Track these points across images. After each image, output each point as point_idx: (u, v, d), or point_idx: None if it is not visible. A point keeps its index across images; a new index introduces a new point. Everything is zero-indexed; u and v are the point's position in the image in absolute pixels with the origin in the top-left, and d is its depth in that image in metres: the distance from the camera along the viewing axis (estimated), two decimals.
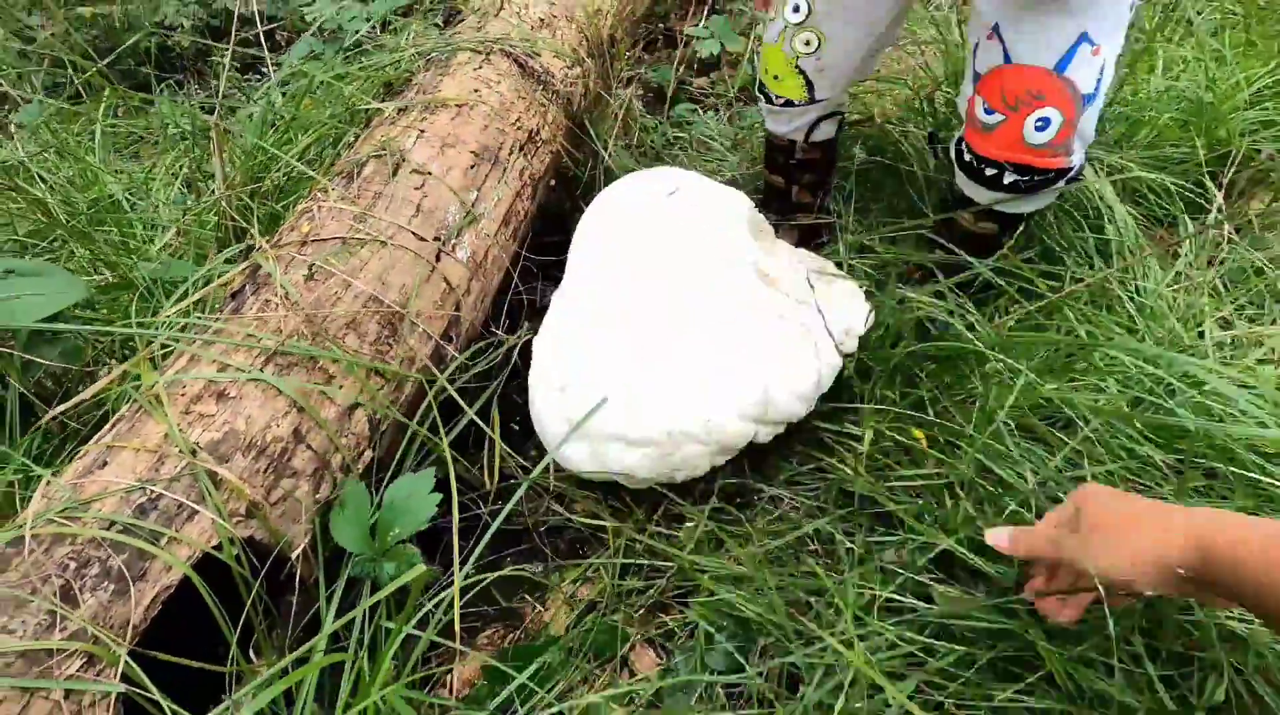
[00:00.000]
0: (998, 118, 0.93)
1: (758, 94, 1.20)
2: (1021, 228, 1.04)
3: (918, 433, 0.98)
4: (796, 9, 1.05)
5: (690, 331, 0.90)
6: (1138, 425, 0.83)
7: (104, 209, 1.42)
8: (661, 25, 2.23)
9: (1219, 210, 1.07)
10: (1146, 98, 1.34)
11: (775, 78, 1.14)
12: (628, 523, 0.97)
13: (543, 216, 1.35)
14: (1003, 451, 0.83)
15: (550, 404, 0.92)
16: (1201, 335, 0.98)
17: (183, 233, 1.21)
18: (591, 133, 1.44)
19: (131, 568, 0.58)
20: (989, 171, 0.97)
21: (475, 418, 0.92)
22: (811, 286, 1.02)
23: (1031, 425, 0.87)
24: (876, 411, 0.97)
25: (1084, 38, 0.85)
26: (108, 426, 0.70)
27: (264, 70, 2.32)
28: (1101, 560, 0.58)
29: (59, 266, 0.95)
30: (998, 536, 0.69)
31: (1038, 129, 0.90)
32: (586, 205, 1.23)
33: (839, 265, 1.22)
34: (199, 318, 0.77)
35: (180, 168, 1.63)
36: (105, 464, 0.64)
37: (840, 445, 0.99)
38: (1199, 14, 1.57)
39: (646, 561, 0.92)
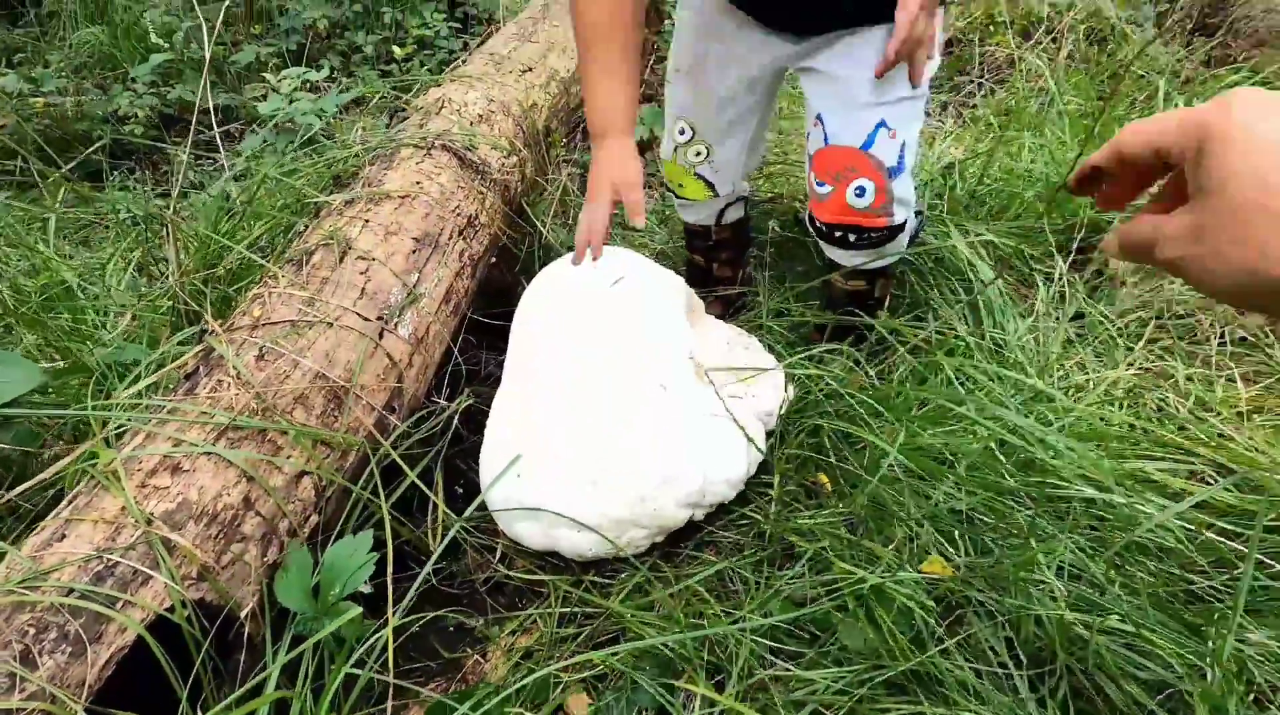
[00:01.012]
0: (828, 188, 1.11)
1: (668, 192, 1.36)
2: (884, 282, 1.20)
3: (823, 477, 1.09)
4: (682, 132, 1.26)
5: (635, 427, 0.99)
6: (1001, 460, 0.95)
7: (56, 296, 1.47)
8: None
9: (1060, 275, 1.25)
10: (1014, 178, 1.54)
11: (680, 184, 1.33)
12: (564, 577, 1.04)
13: (486, 290, 1.45)
14: (889, 493, 0.95)
15: (502, 486, 1.00)
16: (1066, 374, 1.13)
17: (136, 317, 1.27)
18: (530, 213, 1.57)
19: (88, 631, 0.63)
20: (836, 233, 1.14)
21: (417, 481, 0.99)
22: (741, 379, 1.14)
23: (920, 463, 0.99)
24: (786, 461, 1.08)
25: (882, 124, 1.05)
26: (65, 502, 0.75)
27: (216, 157, 2.42)
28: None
29: (16, 354, 1.00)
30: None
31: (857, 195, 1.08)
32: (527, 279, 1.35)
33: (759, 327, 1.35)
34: (154, 399, 0.84)
35: (133, 254, 1.69)
36: (64, 536, 0.69)
37: (757, 493, 1.09)
38: (1056, 108, 1.82)
39: (580, 610, 0.99)
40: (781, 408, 1.11)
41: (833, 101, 1.07)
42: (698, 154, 1.26)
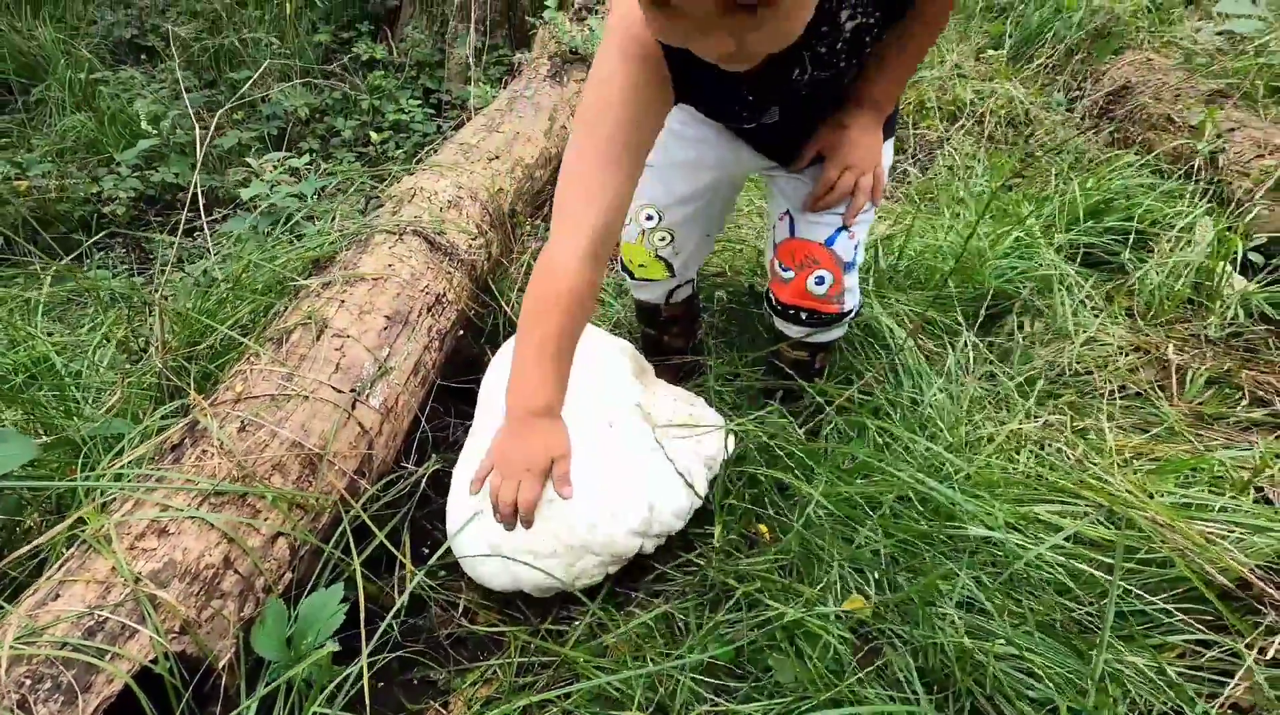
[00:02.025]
0: (790, 274, 1.24)
1: (622, 273, 1.48)
2: (824, 354, 1.34)
3: (763, 528, 1.19)
4: (649, 217, 1.35)
5: (586, 465, 1.06)
6: (918, 506, 1.07)
7: (39, 372, 1.54)
8: None
9: (966, 342, 1.40)
10: (933, 254, 1.72)
11: (641, 266, 1.41)
12: (523, 628, 1.11)
13: (454, 360, 1.56)
14: (815, 542, 1.05)
15: (465, 532, 1.08)
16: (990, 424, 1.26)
17: (121, 393, 1.35)
18: (495, 290, 1.70)
19: (79, 681, 0.70)
20: (790, 311, 1.27)
21: (385, 541, 1.07)
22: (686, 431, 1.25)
23: (844, 511, 1.10)
24: (726, 513, 1.18)
25: (843, 228, 1.20)
26: (57, 566, 0.82)
27: (196, 236, 2.53)
28: None
29: (12, 430, 1.07)
30: None
31: (816, 283, 1.22)
32: (492, 348, 1.46)
33: (707, 389, 1.47)
34: (141, 469, 0.92)
35: (115, 331, 1.77)
36: (58, 596, 0.76)
37: (701, 541, 1.19)
38: (970, 188, 2.03)
39: (537, 659, 1.06)
40: (724, 455, 1.22)
41: (803, 209, 1.20)
42: (663, 239, 1.34)
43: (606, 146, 0.92)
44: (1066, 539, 1.00)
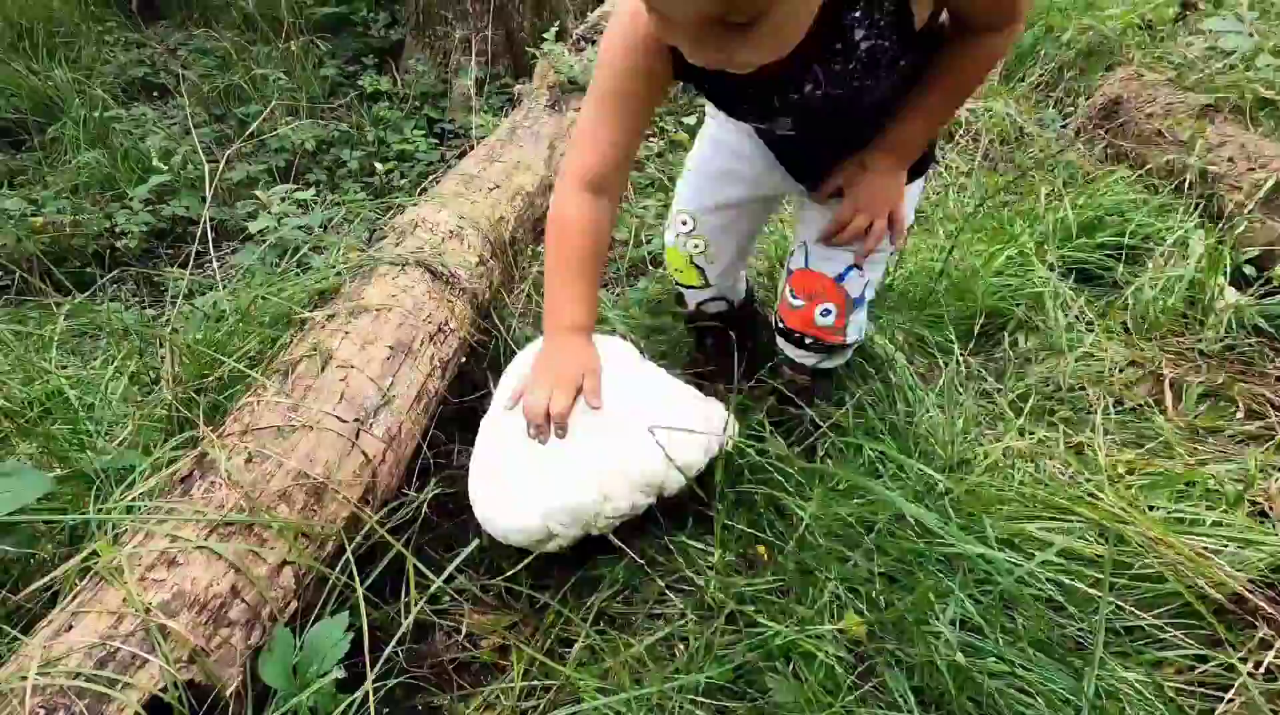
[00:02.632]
0: (800, 302, 1.27)
1: (671, 277, 1.54)
2: (825, 382, 1.36)
3: (761, 549, 1.21)
4: (684, 223, 1.41)
5: (611, 414, 1.08)
6: (912, 525, 1.08)
7: (54, 407, 1.58)
8: None
9: (958, 358, 1.42)
10: (927, 274, 1.75)
11: (678, 270, 1.49)
12: (527, 650, 1.12)
13: (457, 384, 1.59)
14: (811, 562, 1.06)
15: (486, 489, 1.12)
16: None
17: (134, 426, 1.39)
18: (496, 316, 1.74)
19: (91, 710, 0.72)
20: (795, 336, 1.30)
21: (405, 551, 1.09)
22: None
23: (842, 532, 1.12)
24: (725, 533, 1.20)
25: (854, 266, 1.23)
26: (70, 597, 0.85)
27: (207, 268, 2.59)
28: None
29: (27, 465, 1.11)
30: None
31: (822, 315, 1.25)
32: (495, 373, 1.50)
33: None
34: (151, 502, 0.95)
35: (128, 365, 1.81)
36: (71, 627, 0.79)
37: (702, 560, 1.20)
38: (964, 210, 2.06)
39: (540, 682, 1.07)
40: (728, 432, 1.22)
41: (818, 241, 1.22)
42: (696, 247, 1.40)
43: (602, 99, 1.02)
44: (1060, 555, 1.01)
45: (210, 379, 1.37)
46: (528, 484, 1.10)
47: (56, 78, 3.67)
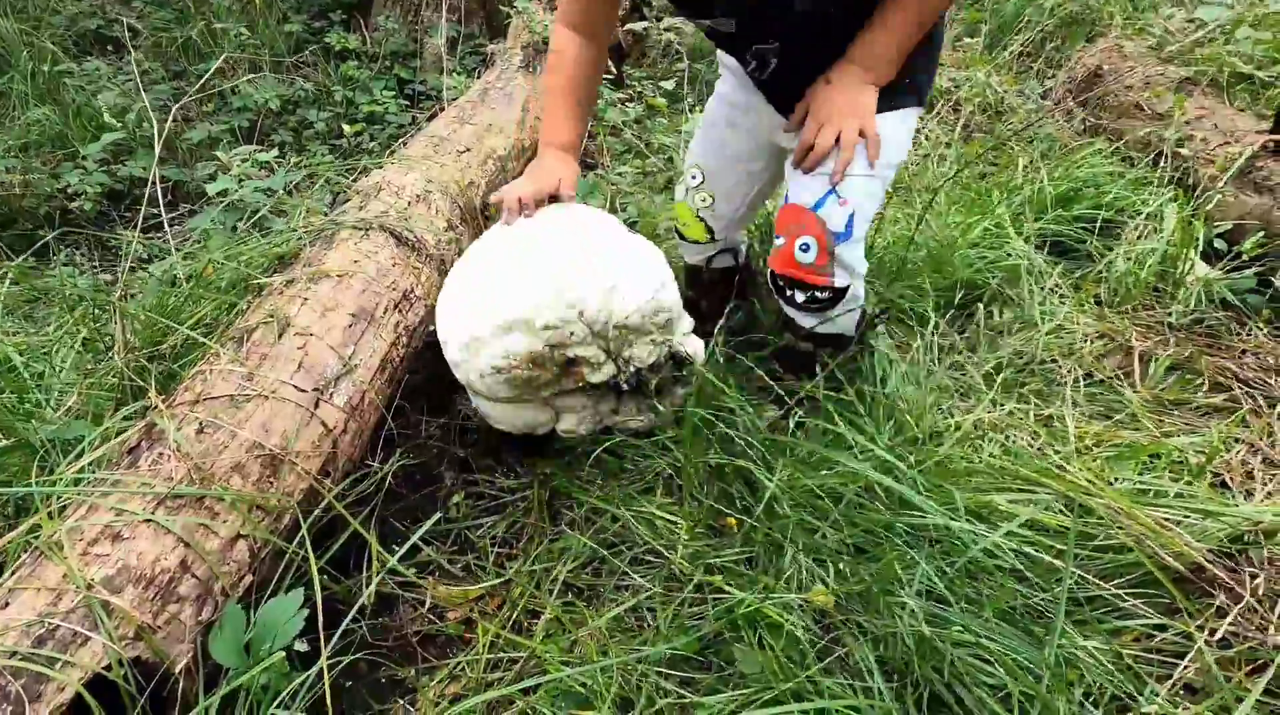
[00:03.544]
0: (781, 241, 1.22)
1: (675, 235, 1.58)
2: (829, 348, 1.31)
3: (731, 521, 1.20)
4: (694, 177, 1.46)
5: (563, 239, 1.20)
6: (881, 496, 1.08)
7: (2, 373, 1.51)
8: None
9: (934, 327, 1.42)
10: (904, 245, 1.73)
11: (685, 224, 1.52)
12: (493, 622, 1.11)
13: (425, 356, 1.56)
14: (779, 534, 1.06)
15: (452, 308, 1.21)
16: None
17: (81, 395, 1.33)
18: None
19: (29, 690, 0.69)
20: (786, 291, 1.25)
21: (360, 528, 1.06)
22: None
23: (811, 503, 1.11)
24: (694, 505, 1.19)
25: (833, 191, 1.17)
26: (8, 573, 0.81)
27: (164, 231, 2.49)
28: None
29: None
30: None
31: (802, 251, 1.19)
32: None
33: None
34: (96, 473, 0.91)
35: (79, 331, 1.74)
36: (7, 604, 0.75)
37: (669, 532, 1.19)
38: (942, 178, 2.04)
39: (506, 655, 1.06)
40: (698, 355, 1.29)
41: (793, 168, 1.22)
42: (704, 200, 1.45)
43: None
44: (1025, 526, 1.01)
45: (164, 347, 1.31)
46: (482, 299, 1.17)
47: (3, 28, 3.47)
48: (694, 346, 1.31)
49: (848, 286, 1.22)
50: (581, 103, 1.33)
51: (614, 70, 2.79)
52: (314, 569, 0.91)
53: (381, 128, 3.07)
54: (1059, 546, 1.00)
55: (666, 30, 3.33)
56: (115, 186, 2.79)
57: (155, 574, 0.82)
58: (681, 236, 1.56)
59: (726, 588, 1.00)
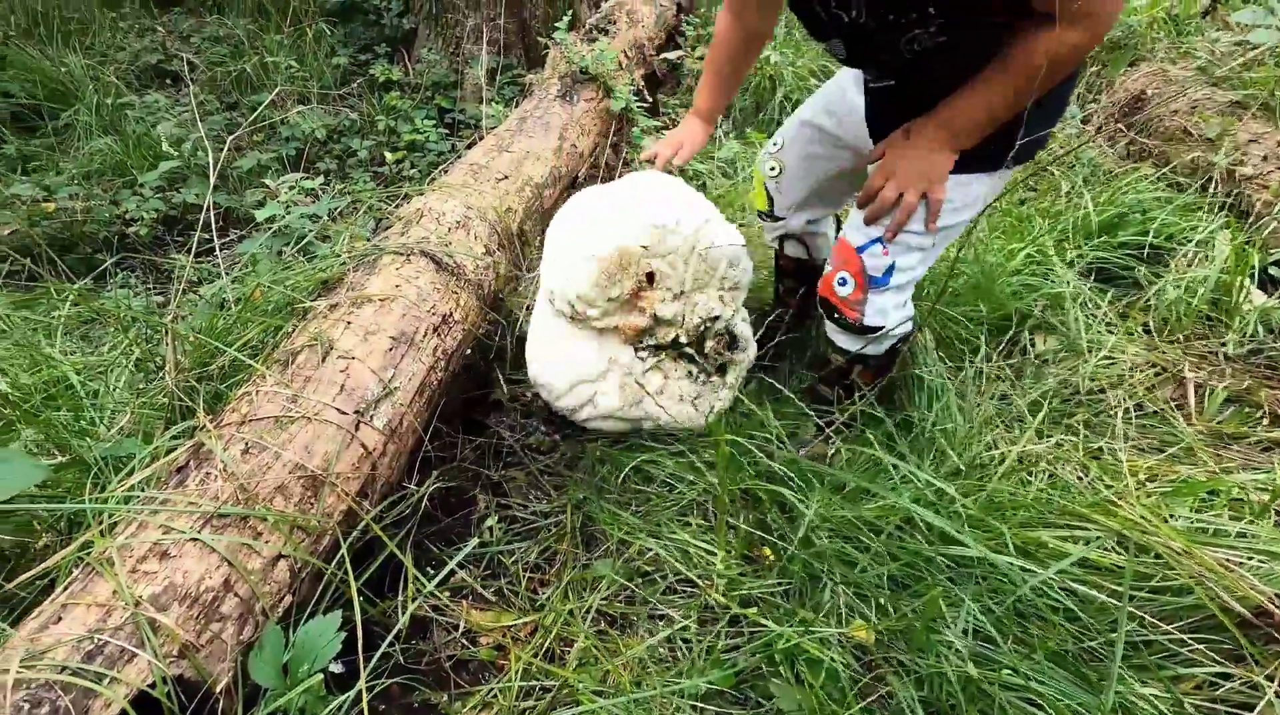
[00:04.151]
0: (829, 268, 1.27)
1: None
2: (862, 369, 1.33)
3: (766, 551, 1.18)
4: (775, 144, 1.48)
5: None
6: (922, 528, 1.05)
7: (57, 393, 1.57)
8: None
9: (985, 357, 1.38)
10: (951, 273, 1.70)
11: (755, 190, 1.56)
12: (526, 650, 1.10)
13: (462, 378, 1.58)
14: (815, 565, 1.03)
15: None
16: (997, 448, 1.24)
17: (134, 413, 1.38)
18: (499, 310, 1.71)
19: (77, 705, 0.71)
20: (824, 312, 1.30)
21: (396, 550, 1.07)
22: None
23: (851, 532, 1.08)
24: (729, 533, 1.17)
25: (878, 241, 1.19)
26: (61, 588, 0.83)
27: (216, 254, 2.58)
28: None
29: (19, 451, 1.09)
30: None
31: (840, 284, 1.24)
32: (501, 367, 1.50)
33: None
34: (146, 491, 0.93)
35: (134, 352, 1.80)
36: (60, 619, 0.77)
37: (705, 563, 1.18)
38: None
39: (538, 683, 1.05)
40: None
41: (856, 209, 1.25)
42: (772, 169, 1.48)
43: None
44: (1077, 564, 0.97)
45: (212, 368, 1.35)
46: (591, 224, 1.35)
47: (71, 64, 3.68)
48: (744, 331, 1.41)
49: (880, 327, 1.24)
50: (722, 75, 1.47)
51: (649, 98, 2.83)
52: (354, 591, 0.92)
53: (422, 155, 3.15)
54: (1113, 586, 0.96)
55: (700, 59, 3.38)
56: (170, 213, 2.91)
57: (200, 592, 0.83)
58: (756, 207, 1.60)
59: (763, 621, 0.97)
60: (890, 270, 1.20)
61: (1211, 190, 2.06)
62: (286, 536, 0.94)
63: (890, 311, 1.24)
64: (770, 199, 1.51)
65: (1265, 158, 2.09)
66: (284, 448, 1.01)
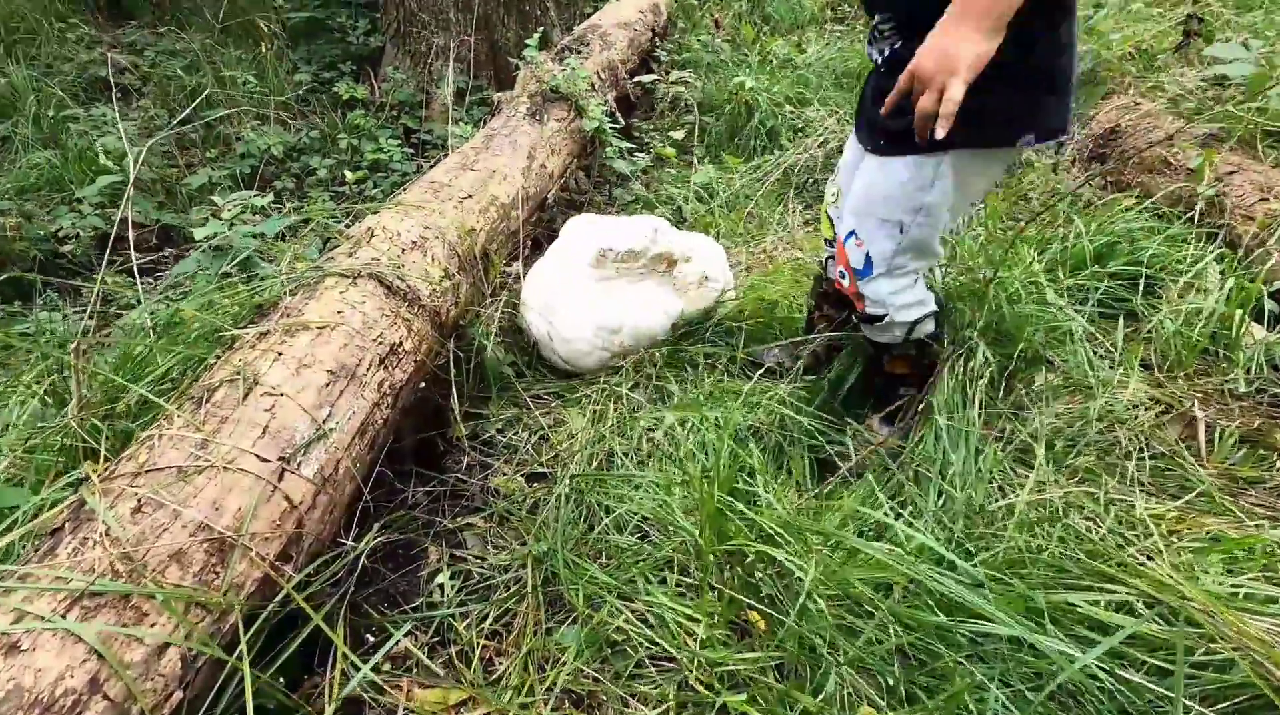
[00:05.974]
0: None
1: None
2: (890, 359, 1.36)
3: (755, 616, 1.04)
4: (836, 169, 1.44)
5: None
6: (932, 590, 0.92)
7: None
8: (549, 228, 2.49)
9: (980, 393, 1.28)
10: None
11: (824, 224, 1.49)
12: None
13: (418, 412, 1.42)
14: (812, 636, 0.90)
15: None
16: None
17: (27, 455, 1.19)
18: (461, 339, 1.57)
19: None
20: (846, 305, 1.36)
21: (323, 625, 0.91)
22: None
23: (855, 596, 0.95)
24: (713, 596, 1.03)
25: (852, 233, 1.23)
26: None
27: (148, 276, 2.40)
28: None
29: None
30: None
31: (841, 278, 1.30)
32: (460, 402, 1.36)
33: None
34: (6, 564, 0.76)
35: (47, 382, 1.61)
36: None
37: (684, 632, 1.03)
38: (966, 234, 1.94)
39: None
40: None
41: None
42: (833, 195, 1.43)
43: None
44: (1101, 629, 0.85)
45: (119, 405, 1.18)
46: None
47: (11, 75, 3.47)
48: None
49: (883, 315, 1.27)
50: None
51: (621, 120, 2.74)
52: (249, 694, 0.75)
53: (385, 175, 3.01)
54: (1148, 658, 0.84)
55: (674, 84, 3.31)
56: (109, 231, 2.71)
57: (56, 697, 0.66)
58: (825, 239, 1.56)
59: (752, 713, 0.83)
60: (868, 259, 1.22)
61: (1197, 221, 2.02)
62: (180, 617, 0.77)
63: (888, 298, 1.24)
64: (832, 222, 1.47)
65: (1246, 189, 2.06)
66: (186, 504, 0.85)
